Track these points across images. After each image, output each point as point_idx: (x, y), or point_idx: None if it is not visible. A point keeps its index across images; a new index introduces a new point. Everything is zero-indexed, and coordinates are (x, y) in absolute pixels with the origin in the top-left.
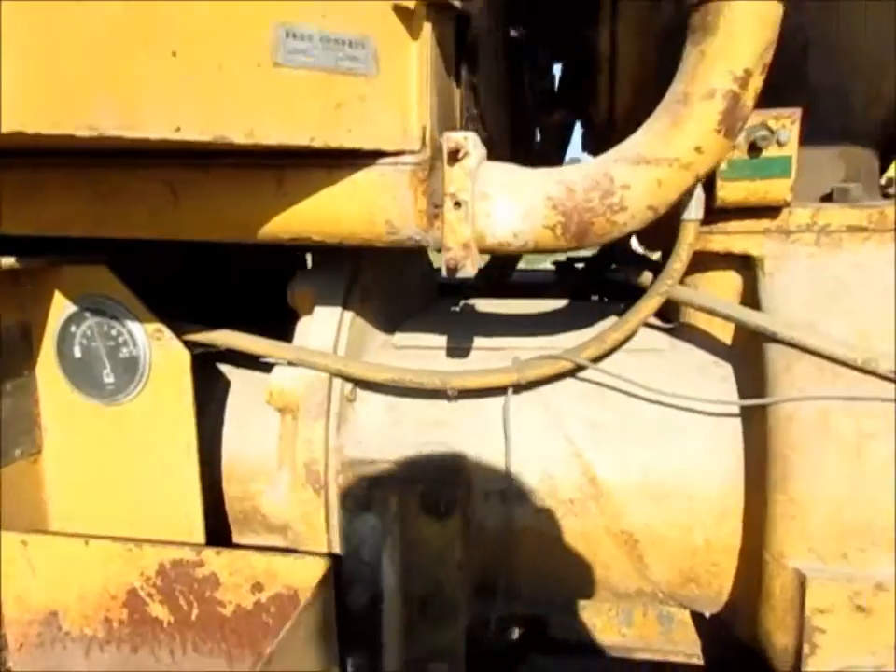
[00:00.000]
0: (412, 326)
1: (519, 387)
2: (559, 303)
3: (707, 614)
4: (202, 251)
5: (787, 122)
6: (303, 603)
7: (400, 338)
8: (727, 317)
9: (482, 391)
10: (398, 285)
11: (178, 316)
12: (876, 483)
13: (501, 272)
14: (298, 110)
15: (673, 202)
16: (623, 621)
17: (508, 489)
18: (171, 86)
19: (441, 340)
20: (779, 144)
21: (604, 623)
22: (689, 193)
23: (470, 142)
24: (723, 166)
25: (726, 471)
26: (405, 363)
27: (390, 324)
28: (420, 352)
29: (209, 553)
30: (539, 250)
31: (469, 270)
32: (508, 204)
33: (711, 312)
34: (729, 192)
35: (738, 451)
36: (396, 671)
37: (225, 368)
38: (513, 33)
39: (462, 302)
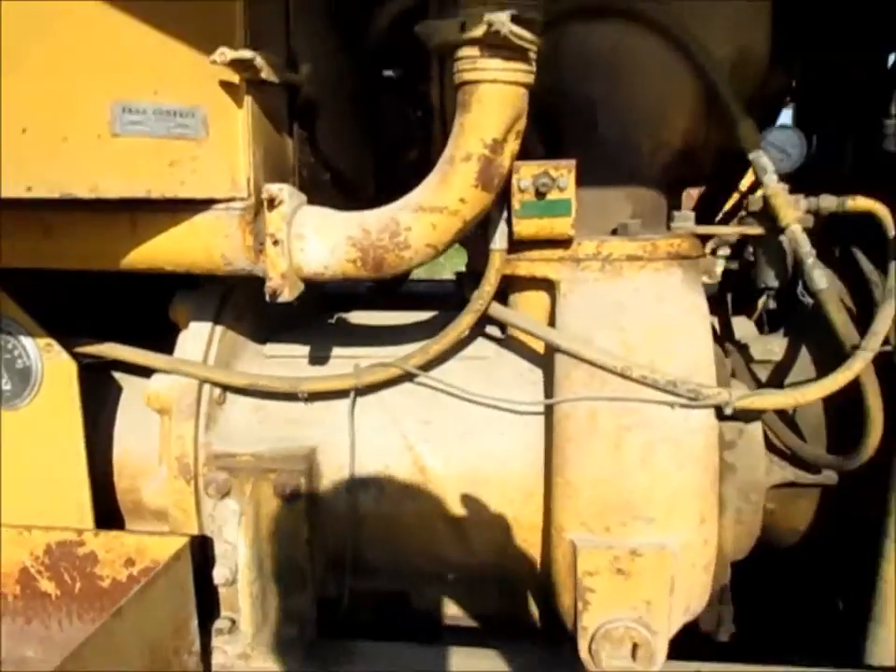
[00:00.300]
0: (284, 338)
1: (362, 391)
2: (423, 315)
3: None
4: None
5: (564, 171)
6: (157, 569)
7: (271, 348)
8: (526, 331)
9: (330, 394)
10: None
11: (78, 331)
12: (632, 468)
13: (392, 285)
14: (135, 169)
15: (449, 241)
16: (467, 593)
17: (352, 478)
18: (22, 156)
19: (306, 350)
20: (560, 189)
21: (455, 595)
22: (494, 226)
23: (285, 192)
24: (517, 206)
25: (531, 460)
26: (269, 371)
27: (264, 336)
28: (285, 360)
29: (89, 534)
30: (347, 279)
31: (286, 296)
32: (318, 243)
33: (516, 327)
34: (523, 228)
35: (540, 444)
36: (251, 633)
37: (119, 376)
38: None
39: (336, 315)
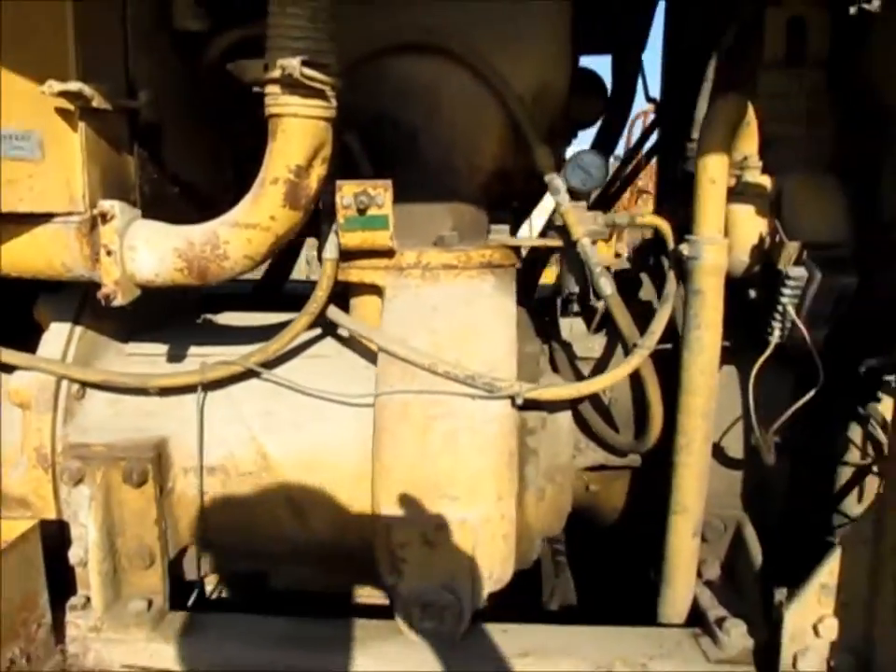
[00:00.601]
0: (148, 337)
1: (212, 386)
2: (287, 316)
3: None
4: None
5: (381, 190)
6: (4, 548)
7: (133, 347)
8: (353, 332)
9: (181, 389)
10: (140, 303)
11: None
12: (437, 452)
13: (270, 285)
14: None
15: (265, 252)
16: (321, 571)
17: (201, 465)
18: None
19: (165, 348)
20: (378, 206)
21: (311, 573)
22: (325, 238)
23: (117, 208)
24: (341, 220)
25: (361, 448)
26: (127, 368)
27: (127, 335)
28: (144, 358)
29: None
30: (177, 286)
31: (120, 300)
32: (149, 253)
33: (345, 328)
34: (348, 240)
35: (369, 433)
36: (102, 609)
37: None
38: None
39: (204, 316)
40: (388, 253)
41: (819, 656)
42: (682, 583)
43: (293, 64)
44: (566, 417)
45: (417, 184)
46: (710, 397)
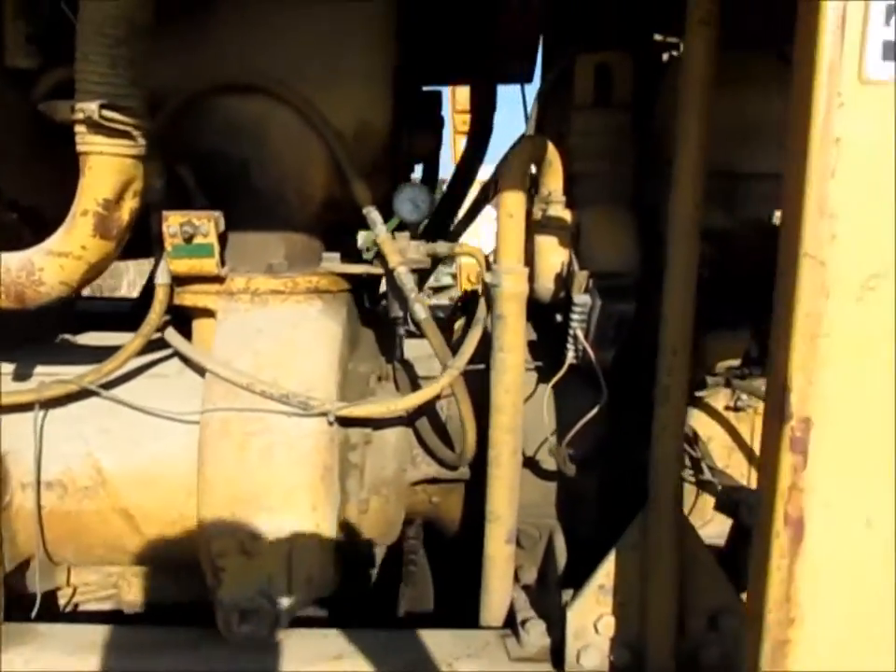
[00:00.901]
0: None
1: (51, 403)
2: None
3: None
4: None
5: (205, 220)
6: None
7: None
8: (182, 353)
9: (20, 406)
10: None
11: None
12: (254, 466)
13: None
14: None
15: (80, 279)
16: (168, 582)
17: (38, 481)
18: None
19: (12, 367)
20: (203, 235)
21: (159, 585)
22: (157, 265)
23: None
24: (169, 248)
25: (191, 463)
26: None
27: None
28: None
29: None
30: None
31: None
32: None
33: (176, 349)
34: (177, 266)
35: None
36: None
37: None
38: None
39: (61, 336)
40: (219, 279)
41: (599, 652)
42: (498, 588)
43: (92, 108)
44: (393, 433)
45: (251, 214)
46: (515, 413)
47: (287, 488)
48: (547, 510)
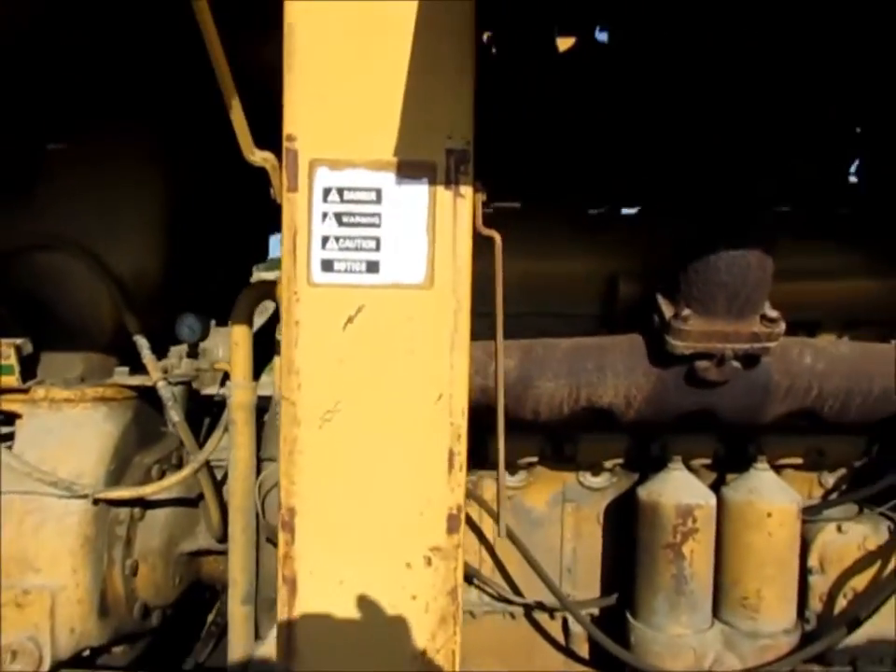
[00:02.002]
0: None
1: None
2: None
3: None
4: None
5: (6, 347)
6: None
7: None
8: None
9: None
10: None
11: None
12: (29, 535)
13: None
14: None
15: None
16: None
17: None
18: None
19: None
20: (6, 358)
21: None
22: None
23: None
24: None
25: None
26: None
27: None
28: None
29: None
30: None
31: None
32: None
33: None
34: None
35: None
36: None
37: None
38: None
39: None
40: (22, 390)
41: None
42: (239, 644)
43: None
44: (164, 511)
45: (57, 339)
46: (246, 496)
47: (51, 554)
48: None
